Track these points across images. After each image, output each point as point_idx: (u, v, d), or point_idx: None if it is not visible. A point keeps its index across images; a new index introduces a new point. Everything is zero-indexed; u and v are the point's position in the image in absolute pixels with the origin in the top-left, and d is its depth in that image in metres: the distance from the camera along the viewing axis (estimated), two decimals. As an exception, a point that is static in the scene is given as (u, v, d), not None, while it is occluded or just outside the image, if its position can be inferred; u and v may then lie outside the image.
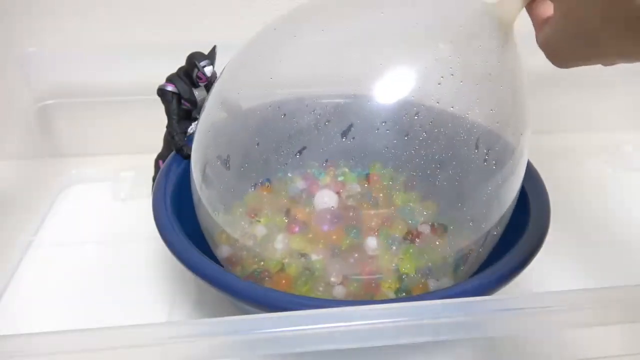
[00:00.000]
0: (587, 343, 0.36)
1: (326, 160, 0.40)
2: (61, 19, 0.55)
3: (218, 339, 0.25)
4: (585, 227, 0.52)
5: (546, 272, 0.45)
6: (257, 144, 0.39)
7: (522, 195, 0.40)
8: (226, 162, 0.38)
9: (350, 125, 0.38)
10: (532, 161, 0.43)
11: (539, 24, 0.30)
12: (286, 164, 0.39)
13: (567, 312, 0.27)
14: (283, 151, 0.39)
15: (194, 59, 0.46)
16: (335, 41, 0.37)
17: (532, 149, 0.45)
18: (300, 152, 0.39)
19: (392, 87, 0.35)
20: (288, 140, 0.39)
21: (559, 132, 0.66)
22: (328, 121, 0.39)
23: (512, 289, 0.34)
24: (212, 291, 0.33)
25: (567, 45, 0.27)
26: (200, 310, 0.43)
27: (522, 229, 0.37)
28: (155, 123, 0.48)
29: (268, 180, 0.40)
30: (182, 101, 0.46)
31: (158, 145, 0.50)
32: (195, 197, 0.40)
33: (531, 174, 0.42)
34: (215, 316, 0.38)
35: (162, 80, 0.47)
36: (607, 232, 0.52)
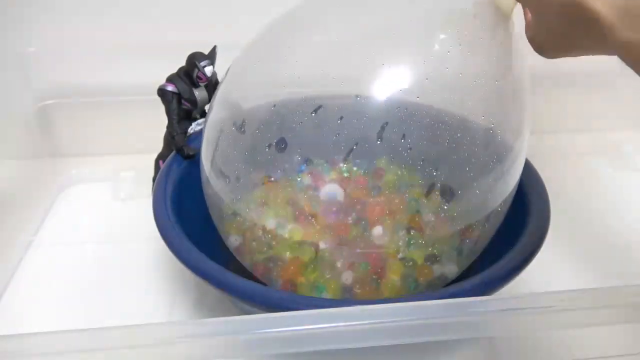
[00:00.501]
0: (587, 343, 0.36)
1: (326, 158, 0.40)
2: (61, 19, 0.55)
3: (218, 339, 0.25)
4: (585, 227, 0.52)
5: (546, 272, 0.45)
6: (274, 106, 0.38)
7: (522, 195, 0.40)
8: (241, 127, 0.38)
9: (354, 123, 0.38)
10: (532, 161, 0.43)
11: (528, 21, 0.32)
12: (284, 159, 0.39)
13: (567, 312, 0.27)
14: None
15: (194, 59, 0.46)
16: (337, 41, 0.37)
17: (532, 149, 0.45)
18: (300, 149, 0.39)
19: (392, 86, 0.36)
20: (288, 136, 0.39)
21: (559, 132, 0.66)
22: (331, 119, 0.38)
23: (512, 289, 0.34)
24: (212, 291, 0.33)
25: (545, 41, 0.30)
26: (200, 310, 0.43)
27: (522, 228, 0.37)
28: (155, 123, 0.48)
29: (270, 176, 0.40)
30: (183, 101, 0.46)
31: (158, 145, 0.50)
32: (203, 178, 0.40)
33: (531, 173, 0.42)
34: (215, 316, 0.38)
35: (162, 80, 0.47)
36: (607, 232, 0.52)
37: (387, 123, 0.36)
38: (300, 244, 0.36)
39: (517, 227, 0.38)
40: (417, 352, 0.38)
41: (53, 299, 0.44)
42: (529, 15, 0.31)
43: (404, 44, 0.36)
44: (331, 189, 0.38)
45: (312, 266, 0.36)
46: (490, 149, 0.37)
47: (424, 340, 0.26)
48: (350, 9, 0.37)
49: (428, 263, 0.36)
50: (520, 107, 0.37)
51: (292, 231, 0.37)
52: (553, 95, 0.65)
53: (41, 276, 0.47)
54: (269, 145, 0.38)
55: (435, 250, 0.36)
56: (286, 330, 0.25)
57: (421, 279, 0.36)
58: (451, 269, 0.37)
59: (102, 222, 0.53)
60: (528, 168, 0.43)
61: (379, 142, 0.37)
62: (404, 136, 0.37)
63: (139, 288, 0.45)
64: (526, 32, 0.31)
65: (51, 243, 0.50)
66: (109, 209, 0.55)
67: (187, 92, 0.46)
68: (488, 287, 0.33)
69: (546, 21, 0.29)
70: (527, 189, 0.41)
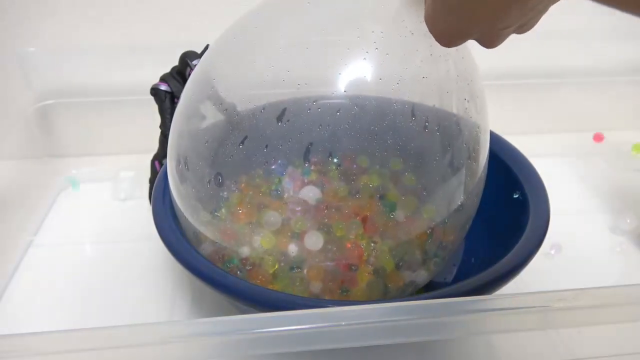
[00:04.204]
0: (587, 343, 0.36)
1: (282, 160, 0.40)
2: (61, 19, 0.55)
3: (218, 338, 0.25)
4: (585, 227, 0.52)
5: (546, 272, 0.46)
6: (207, 142, 0.38)
7: (522, 195, 0.40)
8: (185, 164, 0.37)
9: (279, 149, 0.38)
10: (532, 161, 0.43)
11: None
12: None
13: (568, 312, 0.27)
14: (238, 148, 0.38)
15: (186, 58, 0.46)
16: (292, 42, 0.37)
17: (532, 148, 0.45)
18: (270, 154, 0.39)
19: (315, 108, 0.36)
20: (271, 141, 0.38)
21: (559, 132, 0.66)
22: (258, 148, 0.38)
23: (512, 289, 0.34)
24: (210, 291, 0.33)
25: (440, 9, 0.26)
26: (199, 310, 0.43)
27: (522, 228, 0.37)
28: (155, 123, 0.48)
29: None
30: (176, 100, 0.46)
31: (158, 145, 0.50)
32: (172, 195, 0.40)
33: (530, 173, 0.42)
34: (215, 316, 0.38)
35: (161, 80, 0.47)
36: (607, 232, 0.52)
37: (311, 143, 0.37)
38: (265, 254, 0.36)
39: (517, 227, 0.38)
40: (417, 351, 0.38)
41: (53, 299, 0.44)
42: None
43: (345, 45, 0.36)
44: (308, 190, 0.38)
45: (281, 275, 0.35)
46: (430, 147, 0.37)
47: (423, 339, 0.26)
48: (294, 12, 0.37)
49: (398, 270, 0.36)
50: (466, 89, 0.36)
51: (259, 238, 0.36)
52: (553, 95, 0.65)
53: (41, 276, 0.47)
54: (209, 181, 0.38)
55: (397, 256, 0.36)
56: (285, 330, 0.25)
57: (391, 285, 0.36)
58: (420, 274, 0.37)
59: (102, 222, 0.53)
60: (528, 168, 0.43)
61: (306, 181, 0.38)
62: (330, 154, 0.38)
63: (138, 288, 0.45)
64: (426, 14, 0.27)
65: (51, 243, 0.50)
66: (109, 209, 0.55)
67: (180, 91, 0.46)
68: (488, 287, 0.33)
69: None
70: (527, 190, 0.41)
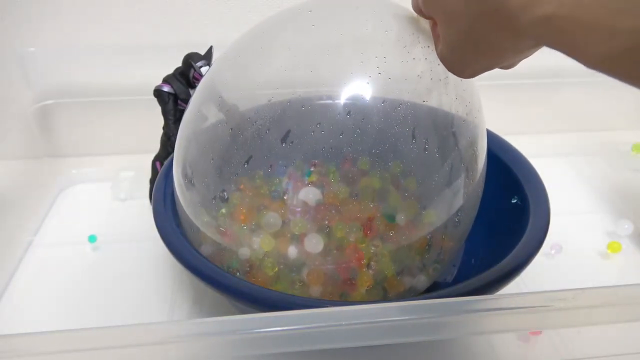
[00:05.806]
0: (587, 343, 0.36)
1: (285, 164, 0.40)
2: (61, 19, 0.55)
3: (218, 338, 0.25)
4: (585, 227, 0.52)
5: (546, 272, 0.46)
6: (212, 159, 0.39)
7: (522, 196, 0.40)
8: (192, 176, 0.38)
9: (283, 169, 0.39)
10: (531, 161, 0.43)
11: (436, 37, 0.30)
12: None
13: (568, 312, 0.27)
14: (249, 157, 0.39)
15: (190, 60, 0.46)
16: (303, 49, 0.37)
17: (532, 148, 0.45)
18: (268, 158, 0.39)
19: (318, 135, 0.37)
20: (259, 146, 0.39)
21: (559, 132, 0.66)
22: (263, 168, 0.39)
23: (512, 289, 0.34)
24: (210, 291, 0.33)
25: (458, 54, 0.27)
26: (199, 310, 0.43)
27: (522, 229, 0.37)
28: (155, 123, 0.48)
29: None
30: (179, 102, 0.46)
31: (158, 146, 0.50)
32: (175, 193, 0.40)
33: (531, 174, 0.42)
34: (215, 315, 0.38)
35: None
36: (607, 232, 0.52)
37: (315, 164, 0.38)
38: (265, 256, 0.36)
39: (517, 228, 0.38)
40: (417, 351, 0.38)
41: (53, 299, 0.44)
42: (435, 35, 0.30)
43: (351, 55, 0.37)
44: (304, 194, 0.38)
45: (281, 277, 0.35)
46: (430, 166, 0.37)
47: (423, 339, 0.26)
48: (311, 23, 0.37)
49: (398, 275, 0.36)
50: (463, 102, 0.37)
51: (259, 240, 0.36)
52: (553, 95, 0.65)
53: (41, 276, 0.47)
54: (214, 197, 0.38)
55: (397, 261, 0.36)
56: (285, 330, 0.25)
57: (390, 291, 0.36)
58: (420, 280, 0.37)
59: (102, 222, 0.53)
60: (528, 168, 0.43)
61: (307, 183, 0.38)
62: (335, 169, 0.38)
63: (138, 288, 0.45)
64: (437, 53, 0.29)
65: (51, 243, 0.50)
66: (109, 209, 0.55)
67: (184, 92, 0.46)
68: (488, 287, 0.33)
69: (456, 29, 0.26)
70: (527, 190, 0.41)
